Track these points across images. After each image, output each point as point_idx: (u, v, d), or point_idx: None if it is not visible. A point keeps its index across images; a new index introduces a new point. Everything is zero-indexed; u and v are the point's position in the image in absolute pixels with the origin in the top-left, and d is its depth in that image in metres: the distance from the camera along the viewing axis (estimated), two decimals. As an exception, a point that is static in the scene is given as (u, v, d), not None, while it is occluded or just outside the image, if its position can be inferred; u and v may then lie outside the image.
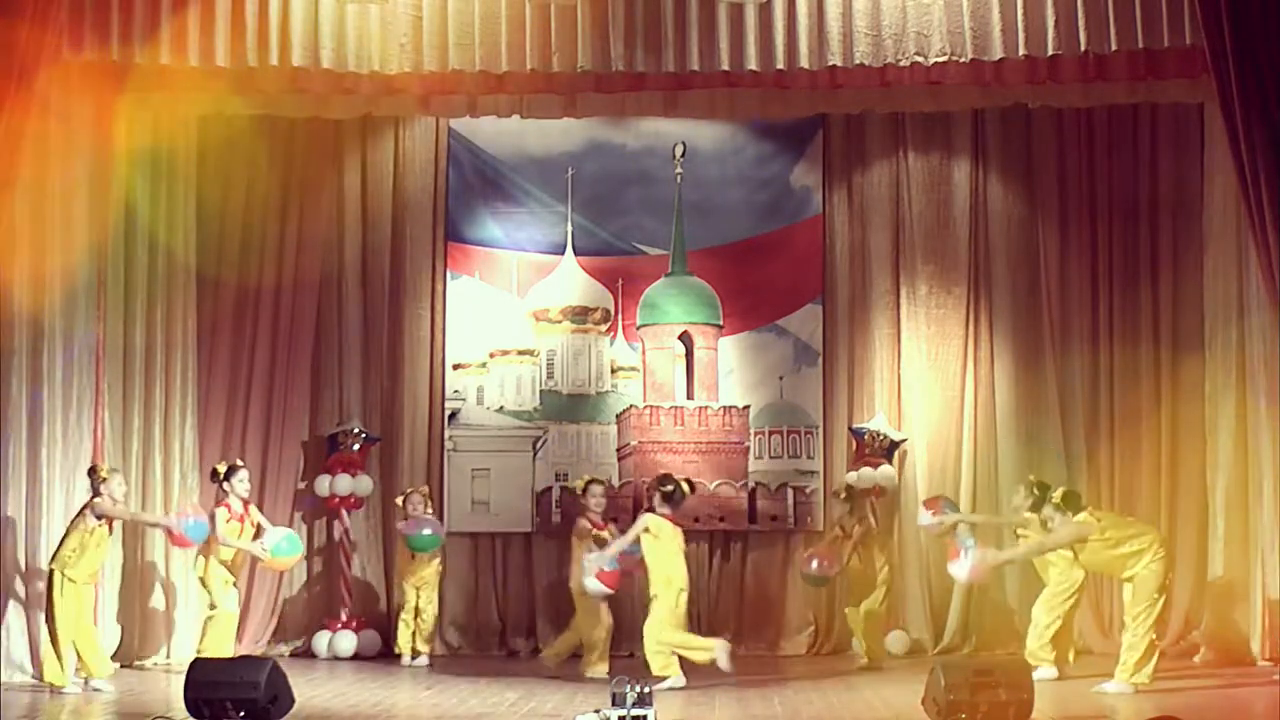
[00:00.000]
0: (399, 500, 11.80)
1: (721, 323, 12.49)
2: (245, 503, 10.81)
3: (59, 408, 10.54)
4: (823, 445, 12.36)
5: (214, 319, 12.08)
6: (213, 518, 10.59)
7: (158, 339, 11.60)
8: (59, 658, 9.93)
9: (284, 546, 10.85)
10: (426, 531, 11.51)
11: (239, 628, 11.72)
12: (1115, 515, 10.62)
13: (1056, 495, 10.02)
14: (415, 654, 11.59)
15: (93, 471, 10.31)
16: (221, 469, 10.85)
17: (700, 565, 12.10)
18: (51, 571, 10.01)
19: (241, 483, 10.75)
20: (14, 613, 10.32)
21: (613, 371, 12.53)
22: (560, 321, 12.54)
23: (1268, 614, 10.98)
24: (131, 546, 11.32)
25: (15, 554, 10.36)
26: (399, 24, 9.85)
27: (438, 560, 11.74)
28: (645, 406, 12.46)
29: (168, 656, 11.51)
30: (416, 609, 11.59)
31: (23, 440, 10.35)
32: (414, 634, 11.60)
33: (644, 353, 12.53)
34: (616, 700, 8.08)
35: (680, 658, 10.09)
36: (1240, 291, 11.30)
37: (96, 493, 10.14)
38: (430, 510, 11.73)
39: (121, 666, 10.98)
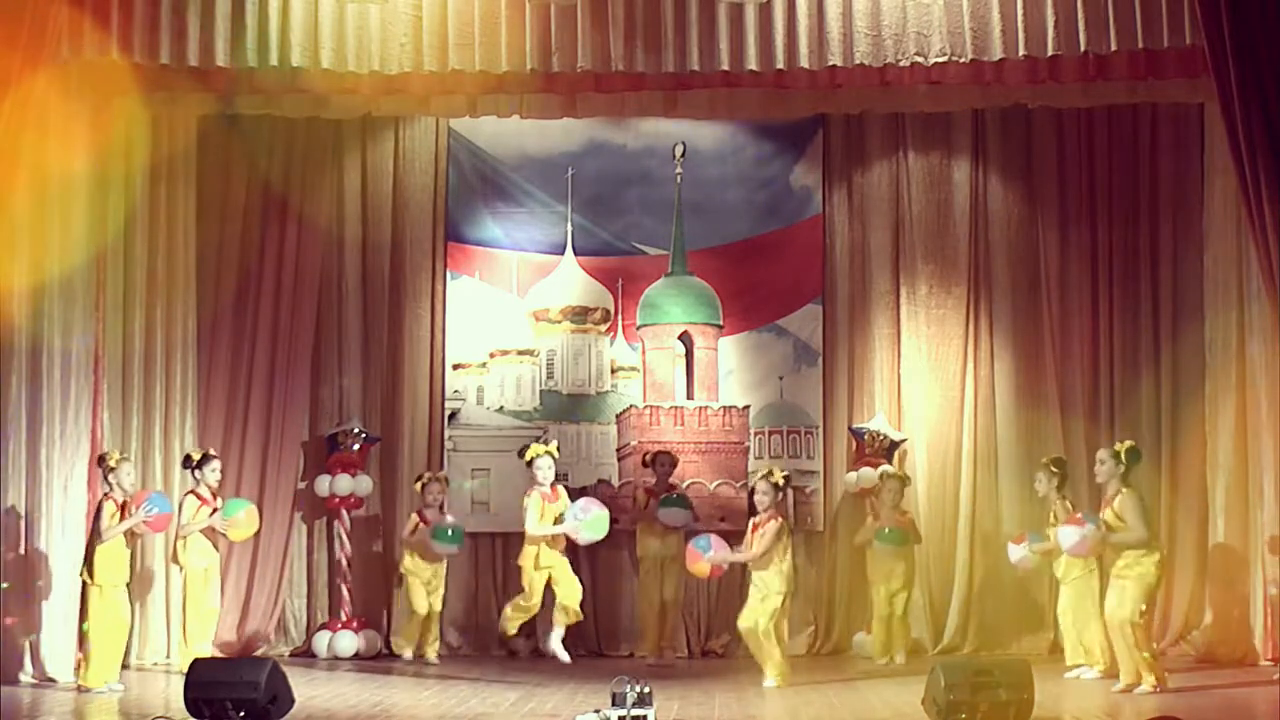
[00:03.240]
0: (417, 486, 11.76)
1: (721, 323, 12.49)
2: (214, 493, 10.90)
3: (58, 407, 10.54)
4: (823, 445, 12.37)
5: (214, 319, 12.09)
6: (180, 507, 10.74)
7: (157, 339, 11.60)
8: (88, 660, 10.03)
9: (240, 516, 10.85)
10: (449, 519, 11.48)
11: (239, 627, 11.77)
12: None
13: (1122, 447, 9.90)
14: (421, 655, 11.57)
15: (102, 460, 10.37)
16: (196, 455, 10.96)
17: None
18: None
19: (213, 472, 10.91)
20: (13, 613, 10.32)
21: (613, 371, 12.53)
22: (560, 321, 12.54)
23: (1268, 614, 10.98)
24: (131, 547, 11.27)
25: (14, 554, 10.36)
26: (399, 24, 9.84)
27: (444, 571, 11.71)
28: (645, 406, 12.46)
29: (168, 656, 11.51)
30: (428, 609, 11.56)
31: (22, 440, 10.35)
32: (424, 636, 11.59)
33: (644, 353, 12.53)
34: (616, 700, 8.09)
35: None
36: (1240, 292, 11.31)
37: (108, 484, 10.19)
38: (446, 496, 11.71)
39: (122, 666, 10.99)
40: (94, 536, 10.10)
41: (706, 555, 10.58)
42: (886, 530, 11.52)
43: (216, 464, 10.97)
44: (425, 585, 11.53)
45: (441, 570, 11.65)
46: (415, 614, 11.55)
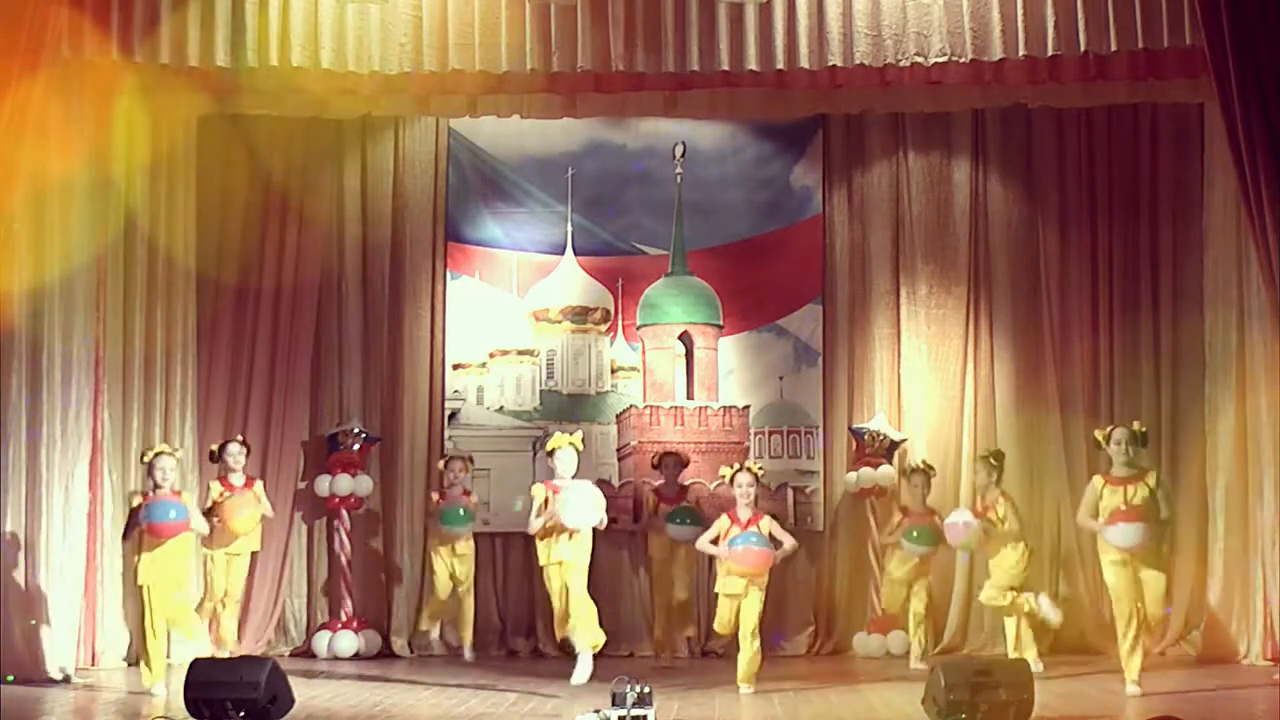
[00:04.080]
0: (440, 465, 11.72)
1: (721, 323, 12.49)
2: (250, 478, 11.03)
3: (59, 408, 10.52)
4: (823, 445, 12.36)
5: (214, 319, 12.09)
6: (207, 490, 10.92)
7: (157, 339, 11.59)
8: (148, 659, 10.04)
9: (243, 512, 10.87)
10: (461, 511, 11.40)
11: (239, 627, 11.76)
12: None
13: (1139, 429, 9.80)
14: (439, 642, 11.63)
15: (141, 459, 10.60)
16: (215, 447, 11.14)
17: (701, 565, 12.08)
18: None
19: (232, 456, 11.00)
20: (14, 613, 10.31)
21: (613, 371, 12.53)
22: (560, 321, 12.54)
23: (1268, 614, 10.98)
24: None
25: (15, 554, 10.35)
26: (399, 24, 9.84)
27: (471, 551, 11.61)
28: (645, 406, 12.46)
29: (168, 656, 11.49)
30: (458, 599, 11.50)
31: (22, 441, 10.34)
32: (439, 622, 11.60)
33: (644, 353, 12.53)
34: (616, 700, 8.09)
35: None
36: (1240, 292, 11.31)
37: (156, 484, 10.16)
38: (471, 476, 11.67)
39: (131, 664, 11.03)
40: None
41: (769, 550, 9.95)
42: (915, 532, 11.34)
43: (234, 446, 11.07)
44: (447, 568, 11.45)
45: (466, 555, 11.54)
46: (436, 595, 11.50)
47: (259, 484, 11.25)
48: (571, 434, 10.11)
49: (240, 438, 11.31)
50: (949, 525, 10.77)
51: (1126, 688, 9.52)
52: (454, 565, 11.50)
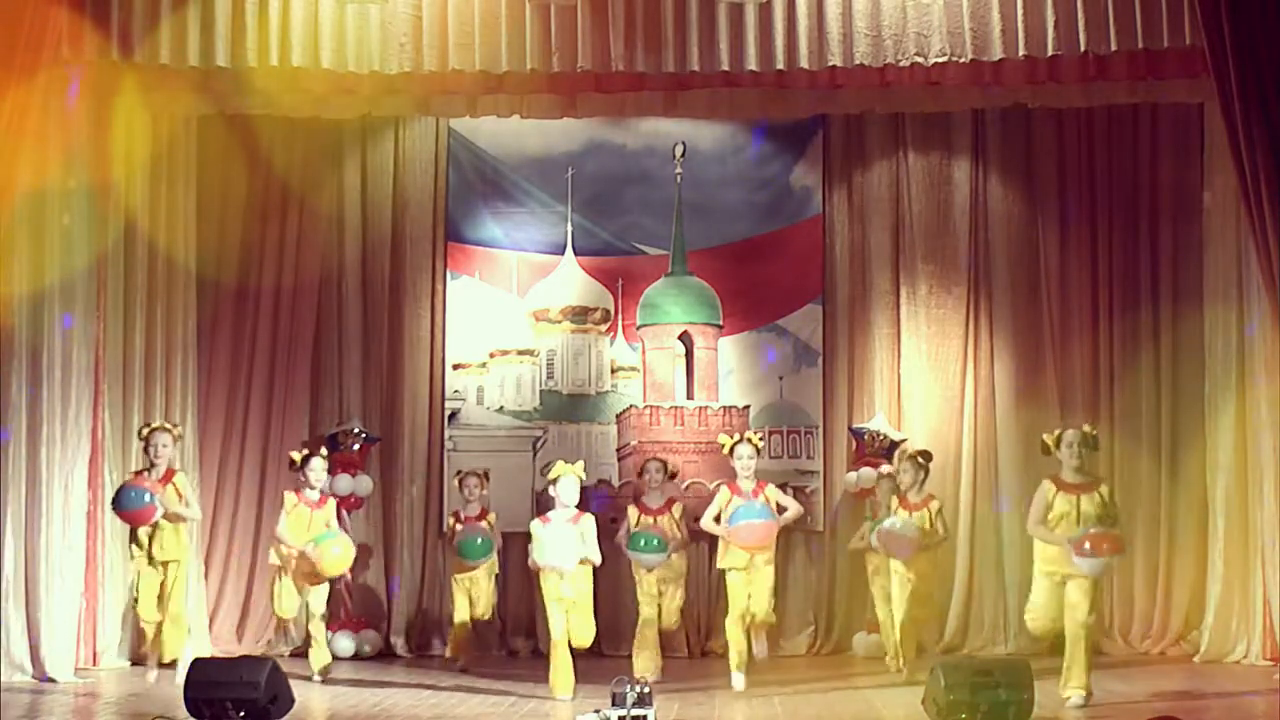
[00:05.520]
0: (455, 481, 11.53)
1: (721, 323, 12.49)
2: (324, 495, 10.75)
3: (59, 408, 10.53)
4: (823, 445, 12.36)
5: (214, 319, 12.11)
6: (282, 501, 10.74)
7: (158, 339, 11.59)
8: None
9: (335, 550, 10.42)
10: (479, 540, 11.03)
11: (239, 627, 11.78)
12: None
13: (1091, 430, 9.55)
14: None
15: (292, 464, 10.75)
16: (298, 457, 10.82)
17: (700, 565, 12.09)
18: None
19: (314, 471, 10.67)
20: (14, 613, 10.31)
21: (613, 371, 12.53)
22: (560, 321, 12.54)
23: (1268, 614, 10.98)
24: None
25: (15, 554, 10.35)
26: (399, 24, 9.85)
27: (494, 568, 11.29)
28: (645, 406, 12.46)
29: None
30: (473, 617, 11.17)
31: (22, 440, 10.35)
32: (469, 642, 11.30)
33: (644, 353, 12.53)
34: (616, 700, 8.09)
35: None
36: (1240, 292, 11.30)
37: (151, 462, 10.02)
38: (486, 491, 11.40)
39: (132, 664, 11.05)
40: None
41: (771, 520, 9.76)
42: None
43: (317, 461, 10.70)
44: (466, 592, 11.13)
45: (487, 573, 11.17)
46: (460, 622, 11.18)
47: (332, 503, 10.87)
48: (574, 463, 10.01)
49: (324, 452, 10.92)
50: (897, 536, 10.29)
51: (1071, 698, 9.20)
52: (472, 588, 11.12)
